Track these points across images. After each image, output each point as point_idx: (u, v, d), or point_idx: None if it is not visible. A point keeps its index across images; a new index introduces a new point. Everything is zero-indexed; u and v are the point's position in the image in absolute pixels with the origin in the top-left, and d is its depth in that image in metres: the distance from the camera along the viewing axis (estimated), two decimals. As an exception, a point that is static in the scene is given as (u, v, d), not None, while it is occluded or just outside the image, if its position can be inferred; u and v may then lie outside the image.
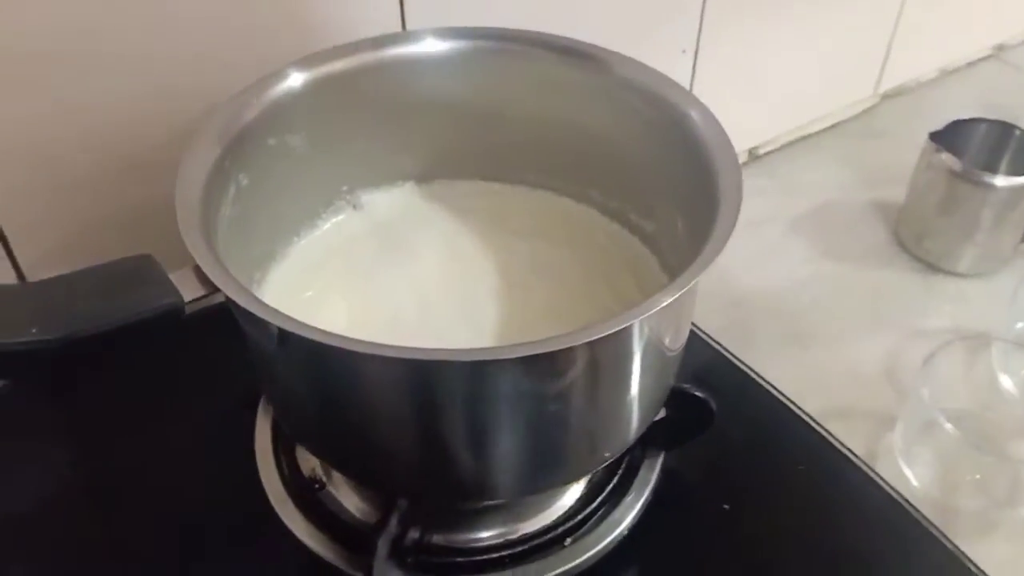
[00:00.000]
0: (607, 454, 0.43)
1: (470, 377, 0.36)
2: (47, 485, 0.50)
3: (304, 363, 0.38)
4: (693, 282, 0.36)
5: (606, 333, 0.34)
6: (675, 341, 0.42)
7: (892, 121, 0.91)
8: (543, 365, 0.36)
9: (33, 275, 0.51)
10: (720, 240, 0.37)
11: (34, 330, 0.32)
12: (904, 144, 0.85)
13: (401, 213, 0.54)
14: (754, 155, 0.87)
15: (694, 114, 0.45)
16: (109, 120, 0.51)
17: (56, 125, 0.49)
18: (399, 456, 0.41)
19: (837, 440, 0.55)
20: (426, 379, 0.36)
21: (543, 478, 0.42)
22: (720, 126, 0.44)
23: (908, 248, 0.77)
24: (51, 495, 0.50)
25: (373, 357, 0.35)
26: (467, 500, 0.44)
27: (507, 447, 0.39)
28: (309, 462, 0.51)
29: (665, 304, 0.35)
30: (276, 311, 0.35)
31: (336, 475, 0.50)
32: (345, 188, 0.53)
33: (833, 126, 0.90)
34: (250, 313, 0.35)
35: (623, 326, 0.35)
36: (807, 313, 0.72)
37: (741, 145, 0.85)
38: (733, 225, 0.38)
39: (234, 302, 0.35)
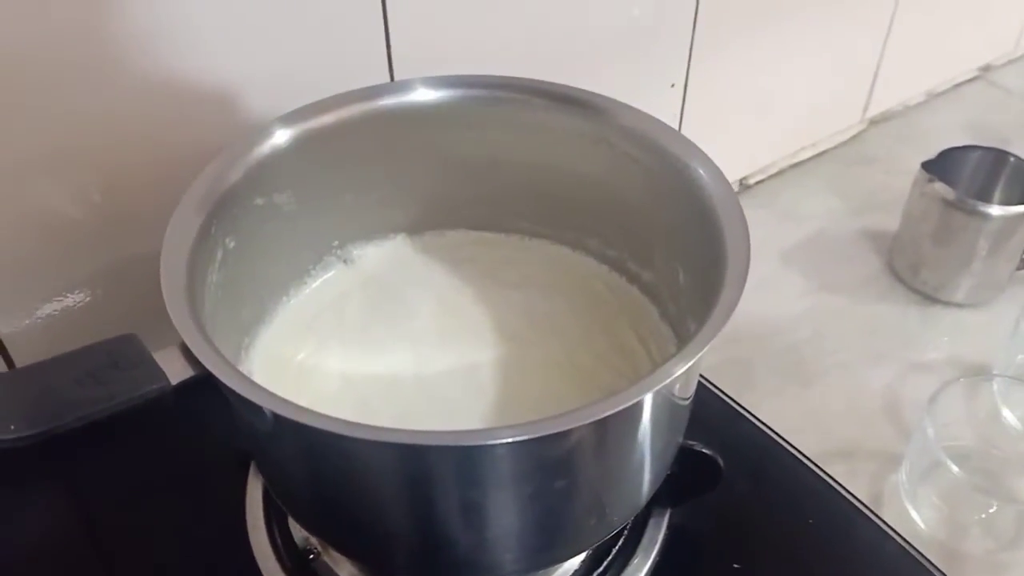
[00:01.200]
0: (616, 520, 0.42)
1: (468, 459, 0.34)
2: (37, 556, 0.48)
3: (297, 444, 0.36)
4: (705, 349, 0.35)
5: (617, 409, 0.33)
6: (684, 401, 0.41)
7: (881, 146, 0.90)
8: (547, 444, 0.34)
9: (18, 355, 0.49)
10: (729, 305, 0.36)
11: (12, 427, 0.30)
12: (894, 169, 0.85)
13: (393, 266, 0.53)
14: (745, 185, 0.86)
15: (697, 165, 0.43)
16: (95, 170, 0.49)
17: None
18: (395, 536, 0.39)
19: (844, 488, 0.53)
20: (422, 461, 0.35)
21: (550, 553, 0.41)
22: (724, 177, 0.43)
23: (903, 279, 0.76)
24: (39, 568, 0.48)
25: (367, 441, 0.33)
26: None
27: (510, 526, 0.37)
28: (302, 531, 0.49)
29: (675, 376, 0.34)
30: (268, 393, 0.33)
31: (330, 555, 0.49)
32: (335, 243, 0.52)
33: (822, 153, 0.90)
34: (242, 396, 0.33)
35: (634, 401, 0.33)
36: (804, 348, 0.71)
37: (732, 175, 0.84)
38: (742, 287, 0.37)
39: (226, 385, 0.33)
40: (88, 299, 0.52)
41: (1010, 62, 1.01)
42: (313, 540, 0.49)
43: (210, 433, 0.49)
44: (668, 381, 0.34)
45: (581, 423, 0.32)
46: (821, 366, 0.69)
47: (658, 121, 0.46)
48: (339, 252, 0.52)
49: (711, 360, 0.62)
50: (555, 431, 0.32)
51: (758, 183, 0.87)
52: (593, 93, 0.47)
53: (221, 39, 0.48)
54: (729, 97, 0.77)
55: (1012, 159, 0.72)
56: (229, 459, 0.51)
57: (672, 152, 0.45)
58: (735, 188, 0.84)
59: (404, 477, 0.35)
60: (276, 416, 0.33)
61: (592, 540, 0.42)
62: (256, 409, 0.33)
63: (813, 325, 0.73)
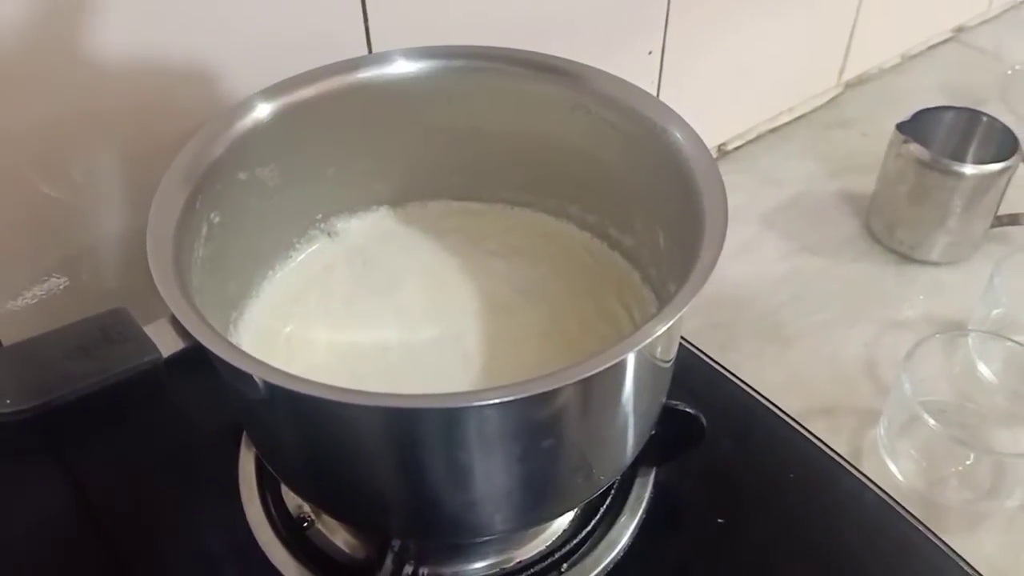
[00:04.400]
0: (603, 479, 0.43)
1: (456, 421, 0.35)
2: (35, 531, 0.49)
3: (289, 412, 0.37)
4: (684, 309, 0.36)
5: (599, 369, 0.34)
6: (666, 363, 0.42)
7: (857, 109, 0.91)
8: (533, 405, 0.35)
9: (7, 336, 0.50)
10: (708, 266, 0.37)
11: (8, 400, 0.31)
12: (870, 132, 0.86)
13: (377, 238, 0.53)
14: (723, 151, 0.87)
15: (675, 130, 0.44)
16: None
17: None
18: (388, 499, 0.40)
19: (824, 444, 0.55)
20: (411, 425, 0.36)
21: (539, 512, 0.42)
22: (700, 140, 0.43)
23: (880, 239, 0.77)
24: (36, 543, 0.49)
25: (358, 406, 0.34)
26: (461, 538, 0.43)
27: (499, 486, 0.38)
28: (295, 499, 0.50)
29: (656, 335, 0.35)
30: (259, 362, 0.34)
31: (328, 521, 0.49)
32: (319, 216, 0.52)
33: (800, 117, 0.90)
34: (233, 366, 0.34)
35: (613, 362, 0.34)
36: (785, 309, 0.72)
37: (711, 141, 0.84)
38: (720, 248, 0.38)
39: (216, 355, 0.34)
40: (74, 277, 0.52)
41: (984, 22, 1.02)
42: (306, 508, 0.50)
43: (202, 405, 0.50)
44: (649, 341, 0.35)
45: (565, 383, 0.33)
46: (801, 327, 0.71)
47: (635, 87, 0.47)
48: (323, 225, 0.53)
49: (693, 324, 0.63)
50: (540, 391, 0.33)
51: (736, 148, 0.87)
52: (570, 61, 0.48)
53: (199, 15, 0.48)
54: (706, 63, 0.78)
55: (985, 119, 0.73)
56: (221, 431, 0.52)
57: (649, 117, 0.46)
58: (714, 154, 0.85)
59: (394, 441, 0.36)
60: (267, 384, 0.34)
61: (580, 498, 0.43)
62: (247, 378, 0.34)
63: (793, 287, 0.74)
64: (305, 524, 0.49)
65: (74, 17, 0.44)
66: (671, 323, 0.35)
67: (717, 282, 0.76)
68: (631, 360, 0.36)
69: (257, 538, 0.48)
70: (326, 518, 0.49)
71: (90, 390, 0.32)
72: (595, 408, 0.38)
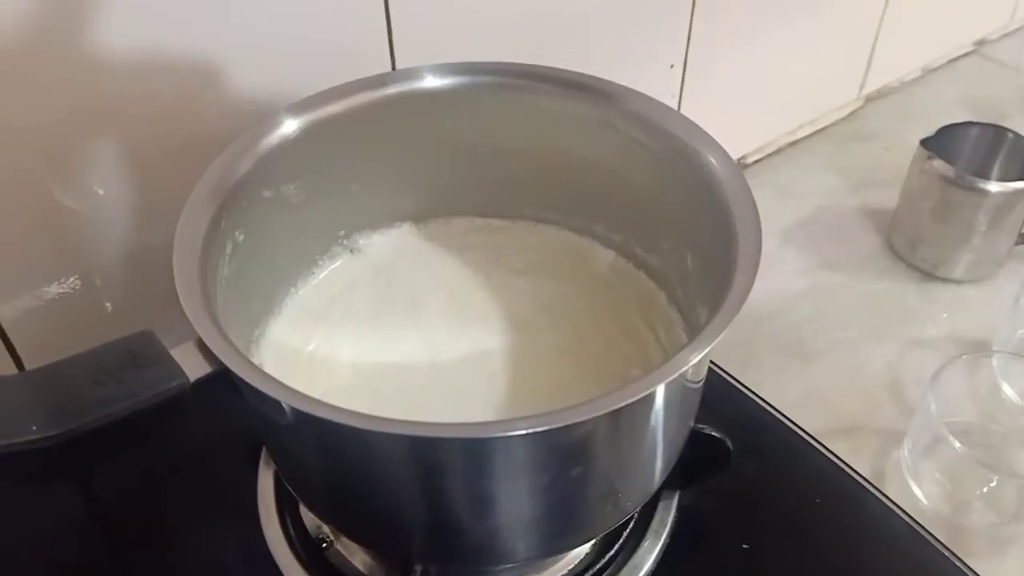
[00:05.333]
0: (630, 505, 0.42)
1: (482, 451, 0.34)
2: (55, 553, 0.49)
3: (312, 436, 0.37)
4: (719, 337, 0.35)
5: (630, 401, 0.33)
6: (696, 387, 0.41)
7: (878, 123, 0.90)
8: (561, 435, 0.34)
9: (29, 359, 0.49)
10: (742, 292, 0.36)
11: (34, 427, 0.30)
12: (891, 145, 0.85)
13: (400, 255, 0.53)
14: (743, 163, 0.86)
15: (705, 150, 0.44)
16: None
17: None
18: (410, 525, 0.39)
19: (848, 466, 0.54)
20: (435, 453, 0.35)
21: (563, 540, 0.41)
22: (733, 162, 0.43)
23: (903, 256, 0.77)
24: (56, 566, 0.48)
25: (381, 433, 0.33)
26: (483, 565, 0.43)
27: (523, 515, 0.38)
28: (314, 520, 0.49)
29: (693, 363, 0.34)
30: (284, 387, 0.34)
31: (347, 544, 0.49)
32: (342, 233, 0.52)
33: (820, 131, 0.90)
34: (260, 391, 0.33)
35: (647, 392, 0.33)
36: (806, 326, 0.72)
37: (731, 154, 0.84)
38: (755, 273, 0.37)
39: (243, 380, 0.33)
40: (88, 288, 0.51)
41: (1005, 35, 1.01)
42: (325, 529, 0.49)
43: (225, 429, 0.50)
44: (682, 371, 0.34)
45: (595, 414, 0.33)
46: (822, 344, 0.70)
47: (664, 105, 0.46)
48: (346, 242, 0.52)
49: (714, 341, 0.63)
50: (568, 423, 0.32)
51: (756, 162, 0.87)
52: (598, 78, 0.47)
53: (225, 31, 0.48)
54: (727, 77, 0.77)
55: (1010, 135, 0.73)
56: (240, 450, 0.51)
57: (679, 136, 0.45)
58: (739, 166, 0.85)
59: (418, 468, 0.36)
60: (293, 410, 0.34)
61: (605, 526, 0.43)
62: (273, 403, 0.34)
63: (813, 303, 0.74)
64: (324, 545, 0.49)
65: (80, 13, 0.43)
66: (705, 352, 0.34)
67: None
68: (661, 390, 0.35)
69: (276, 558, 0.48)
70: (345, 539, 0.49)
71: (118, 416, 0.32)
72: (624, 437, 0.37)
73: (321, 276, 0.51)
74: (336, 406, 0.33)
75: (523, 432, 0.32)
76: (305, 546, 0.48)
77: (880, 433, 0.63)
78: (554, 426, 0.32)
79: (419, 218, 0.54)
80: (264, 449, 0.52)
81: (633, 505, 0.42)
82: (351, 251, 0.52)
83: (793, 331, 0.71)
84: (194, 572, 0.48)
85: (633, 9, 0.65)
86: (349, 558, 0.48)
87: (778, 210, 0.82)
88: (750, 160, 0.87)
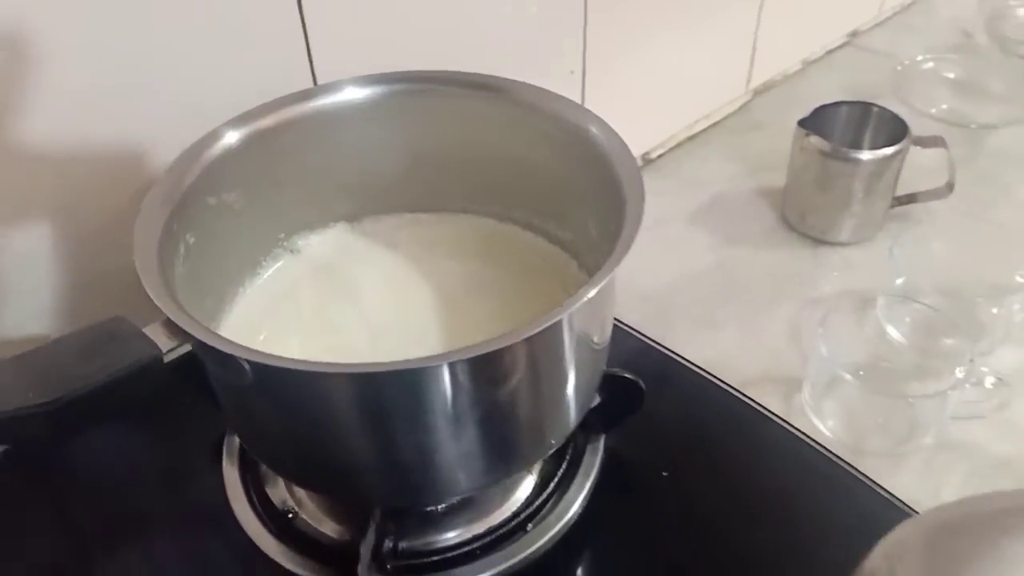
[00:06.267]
0: (553, 440, 0.48)
1: (420, 384, 0.40)
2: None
3: (271, 392, 0.42)
4: (608, 277, 0.42)
5: (538, 330, 0.39)
6: (601, 330, 0.48)
7: (766, 113, 0.99)
8: (486, 365, 0.40)
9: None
10: (629, 238, 0.43)
11: (31, 394, 0.35)
12: (778, 132, 0.93)
13: (337, 252, 0.58)
14: (648, 159, 0.94)
15: (594, 129, 0.50)
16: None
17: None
18: (360, 465, 0.45)
19: (755, 402, 0.61)
20: (373, 390, 0.41)
21: (498, 469, 0.47)
22: (618, 136, 0.50)
23: (795, 227, 0.85)
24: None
25: (331, 376, 0.39)
26: (430, 500, 0.48)
27: (459, 446, 0.43)
28: (279, 495, 0.54)
29: (587, 299, 0.41)
30: (243, 346, 0.39)
31: (307, 503, 0.54)
32: (282, 236, 0.57)
33: (715, 124, 0.98)
34: (220, 351, 0.39)
35: (552, 322, 0.40)
36: (715, 297, 0.79)
37: (635, 151, 0.92)
38: (639, 223, 0.44)
39: (204, 344, 0.39)
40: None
41: (875, 26, 1.11)
42: (290, 502, 0.54)
43: (186, 423, 0.55)
44: (581, 304, 0.40)
45: (510, 343, 0.39)
46: (729, 311, 0.77)
47: (558, 95, 0.53)
48: (286, 244, 0.58)
49: (633, 317, 0.69)
50: (486, 351, 0.38)
51: (660, 156, 0.95)
52: (500, 77, 0.54)
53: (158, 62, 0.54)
54: (625, 80, 0.85)
55: (876, 109, 0.81)
56: (205, 445, 0.56)
57: (572, 120, 0.52)
58: (639, 163, 0.92)
59: (360, 407, 0.41)
60: (249, 364, 0.39)
61: (535, 456, 0.49)
62: (229, 361, 0.39)
63: (720, 276, 0.81)
64: (290, 516, 0.54)
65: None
66: (600, 287, 0.41)
67: (652, 277, 0.82)
68: (567, 321, 0.42)
69: (247, 531, 0.53)
70: (310, 508, 0.54)
71: (101, 383, 0.37)
72: (540, 368, 0.43)
73: (266, 276, 0.57)
74: (285, 356, 0.38)
75: (448, 361, 0.38)
76: (273, 518, 0.53)
77: (785, 381, 0.70)
78: (473, 355, 0.39)
79: (352, 218, 0.59)
80: (225, 439, 0.57)
81: (556, 440, 0.48)
82: (291, 252, 0.58)
83: (703, 302, 0.78)
84: (166, 542, 0.53)
85: (532, 22, 0.72)
86: (316, 525, 0.53)
87: (683, 198, 0.89)
88: (654, 155, 0.94)
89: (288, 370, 0.38)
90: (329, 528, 0.53)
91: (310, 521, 0.53)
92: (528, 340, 0.39)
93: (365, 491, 0.47)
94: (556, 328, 0.41)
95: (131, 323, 0.40)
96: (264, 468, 0.55)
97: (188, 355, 0.43)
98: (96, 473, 0.55)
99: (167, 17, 0.53)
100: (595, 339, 0.47)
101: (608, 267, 0.42)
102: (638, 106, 0.88)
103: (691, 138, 0.97)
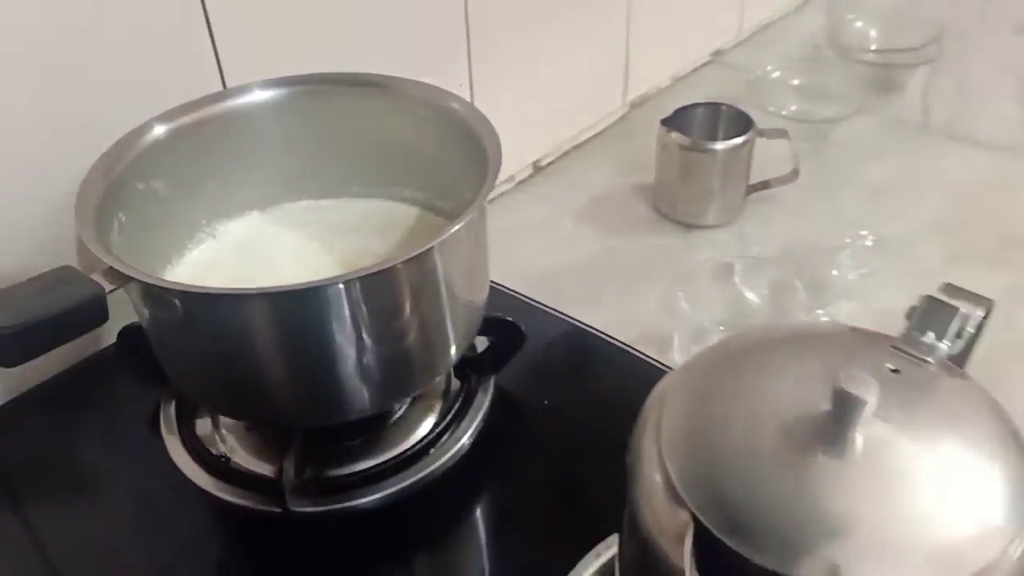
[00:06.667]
0: (440, 365, 0.58)
1: (320, 302, 0.49)
2: None
3: (198, 321, 0.50)
4: (471, 215, 0.51)
5: (415, 254, 0.49)
6: (474, 268, 0.57)
7: (641, 123, 1.11)
8: (372, 286, 0.50)
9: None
10: (490, 184, 0.53)
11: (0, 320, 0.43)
12: (651, 140, 1.05)
13: (253, 236, 0.67)
14: (538, 166, 1.05)
15: (458, 107, 0.61)
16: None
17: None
18: (278, 387, 0.53)
19: (621, 342, 0.71)
20: (288, 310, 0.50)
21: (395, 388, 0.56)
22: (479, 111, 0.60)
23: (667, 215, 0.96)
24: None
25: (249, 296, 0.49)
26: (341, 415, 0.56)
27: (363, 362, 0.52)
28: (215, 446, 0.62)
29: (453, 231, 0.50)
30: (175, 282, 0.48)
31: (239, 449, 0.62)
32: (204, 222, 0.66)
33: (597, 134, 1.10)
34: (155, 287, 0.47)
35: (425, 248, 0.49)
36: (598, 281, 0.89)
37: (527, 160, 1.03)
38: (497, 172, 0.54)
39: (142, 282, 0.47)
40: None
41: (736, 45, 1.25)
42: (223, 448, 0.62)
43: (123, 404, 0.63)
44: (448, 234, 0.50)
45: (390, 265, 0.48)
46: (612, 290, 0.87)
47: (435, 87, 0.63)
48: (207, 229, 0.66)
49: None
50: (370, 272, 0.48)
51: (549, 163, 1.06)
52: (386, 75, 0.64)
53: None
54: (512, 95, 0.95)
55: (724, 107, 0.94)
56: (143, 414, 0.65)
57: (444, 104, 0.62)
58: (530, 170, 1.03)
59: (272, 327, 0.50)
60: (178, 295, 0.47)
61: (425, 378, 0.58)
62: (158, 295, 0.47)
63: (604, 261, 0.91)
64: (224, 459, 0.61)
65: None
66: (464, 222, 0.50)
67: (545, 264, 0.92)
68: (438, 250, 0.51)
69: (187, 475, 0.60)
70: (241, 453, 0.62)
71: (56, 312, 0.45)
72: (420, 292, 0.52)
73: (191, 256, 0.65)
74: (214, 286, 0.47)
75: (342, 281, 0.48)
76: (210, 464, 0.61)
77: (659, 340, 0.80)
78: (362, 274, 0.48)
79: (264, 206, 0.68)
80: (161, 407, 0.65)
81: (443, 363, 0.58)
82: (213, 236, 0.66)
83: (589, 283, 0.89)
84: (111, 485, 0.60)
85: (421, 37, 0.83)
86: (246, 466, 0.61)
87: (571, 198, 1.00)
88: (544, 163, 1.05)
89: (212, 295, 0.47)
90: (257, 467, 0.61)
91: (241, 463, 0.61)
92: (407, 263, 0.49)
93: (282, 411, 0.55)
94: (429, 255, 0.51)
95: (77, 270, 0.48)
96: (199, 425, 0.63)
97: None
98: (50, 448, 0.63)
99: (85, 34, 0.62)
100: (469, 274, 0.57)
101: (472, 208, 0.52)
102: (528, 117, 0.99)
103: (577, 147, 1.08)
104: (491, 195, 0.56)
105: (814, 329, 0.46)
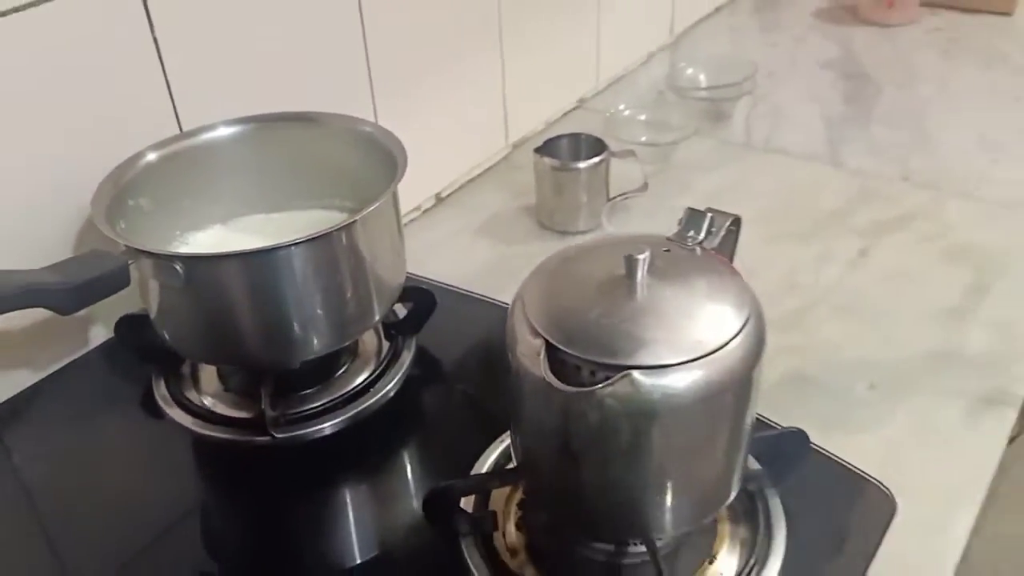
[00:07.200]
0: (370, 318, 0.77)
1: (277, 261, 0.69)
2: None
3: (197, 280, 0.68)
4: (387, 197, 0.72)
5: (347, 223, 0.69)
6: (392, 242, 0.77)
7: (521, 159, 1.33)
8: (313, 249, 0.69)
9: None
10: (400, 175, 0.74)
11: (54, 279, 0.61)
12: (531, 172, 1.28)
13: (218, 243, 0.85)
14: (440, 198, 1.26)
15: (371, 131, 0.82)
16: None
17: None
18: (249, 333, 0.72)
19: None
20: (258, 268, 0.69)
21: (337, 333, 0.75)
22: (391, 132, 0.81)
23: (547, 226, 1.18)
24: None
25: (234, 256, 0.68)
26: (298, 356, 0.74)
27: (312, 310, 0.72)
28: (200, 400, 0.80)
29: (372, 208, 0.71)
30: (177, 252, 0.66)
31: (219, 403, 0.80)
32: (178, 232, 0.84)
33: (488, 169, 1.32)
34: (161, 255, 0.66)
35: (354, 219, 0.70)
36: (496, 280, 1.09)
37: (430, 192, 1.24)
38: (403, 173, 0.75)
39: (150, 252, 0.66)
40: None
41: (596, 94, 1.51)
42: (207, 402, 0.79)
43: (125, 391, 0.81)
44: (368, 211, 0.70)
45: (327, 231, 0.68)
46: (506, 285, 1.07)
47: (356, 117, 0.84)
48: (181, 238, 0.84)
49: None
50: (315, 236, 0.68)
51: (449, 195, 1.27)
52: (316, 112, 0.85)
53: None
54: (415, 138, 1.14)
55: (583, 136, 1.17)
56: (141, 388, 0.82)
57: (361, 129, 0.83)
58: (432, 200, 1.24)
59: (247, 283, 0.69)
60: (180, 260, 0.66)
61: (360, 327, 0.78)
62: (160, 261, 0.66)
63: (499, 267, 1.12)
64: (210, 408, 0.79)
65: None
66: (378, 204, 0.71)
67: (454, 273, 1.13)
68: (360, 224, 0.71)
69: (181, 423, 0.77)
70: (221, 406, 0.79)
71: (97, 274, 0.64)
72: (351, 255, 0.72)
73: (170, 258, 0.83)
74: (202, 252, 0.66)
75: (293, 243, 0.67)
76: (197, 413, 0.78)
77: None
78: (306, 239, 0.68)
79: (226, 220, 0.87)
80: (153, 382, 0.82)
81: (371, 316, 0.77)
82: (185, 244, 0.84)
83: (488, 286, 1.08)
84: (124, 437, 0.78)
85: (333, 81, 1.03)
86: (227, 412, 0.79)
87: (469, 220, 1.21)
88: (445, 194, 1.26)
89: (208, 256, 0.66)
90: (235, 412, 0.79)
91: (223, 411, 0.79)
92: (340, 230, 0.69)
93: (256, 355, 0.73)
94: (355, 225, 0.71)
95: (106, 250, 0.67)
96: (185, 386, 0.81)
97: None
98: (62, 425, 0.80)
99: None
100: (388, 246, 0.77)
101: (387, 193, 0.72)
102: (430, 156, 1.19)
103: (471, 180, 1.30)
104: (404, 221, 0.77)
105: (629, 237, 0.65)
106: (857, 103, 1.45)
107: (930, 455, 0.82)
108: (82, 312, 0.78)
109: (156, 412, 0.79)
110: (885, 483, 0.74)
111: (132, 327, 0.81)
